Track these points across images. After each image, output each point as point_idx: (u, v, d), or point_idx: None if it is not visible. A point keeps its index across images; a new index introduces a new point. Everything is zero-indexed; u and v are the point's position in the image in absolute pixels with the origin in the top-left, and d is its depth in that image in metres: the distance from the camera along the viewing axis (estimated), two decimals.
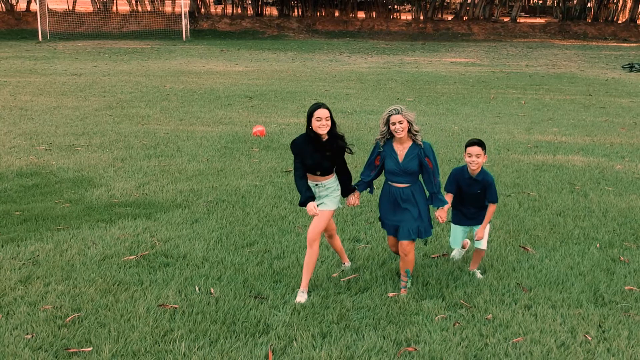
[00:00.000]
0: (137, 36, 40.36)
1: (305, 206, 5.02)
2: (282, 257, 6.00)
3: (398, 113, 4.98)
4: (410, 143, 5.10)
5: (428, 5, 50.74)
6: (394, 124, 5.00)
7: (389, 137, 5.14)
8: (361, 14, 51.94)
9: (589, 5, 51.38)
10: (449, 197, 5.42)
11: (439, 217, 5.15)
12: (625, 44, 40.33)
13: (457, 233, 5.67)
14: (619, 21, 49.98)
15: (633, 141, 11.45)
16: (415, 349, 4.42)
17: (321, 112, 4.99)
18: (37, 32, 36.94)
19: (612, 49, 36.12)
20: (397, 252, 5.37)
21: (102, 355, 4.31)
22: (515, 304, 5.10)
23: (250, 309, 4.95)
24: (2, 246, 6.18)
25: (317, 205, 5.12)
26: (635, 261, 5.97)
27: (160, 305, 5.00)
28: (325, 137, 5.06)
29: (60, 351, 4.36)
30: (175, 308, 4.96)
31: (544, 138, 11.61)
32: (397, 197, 5.16)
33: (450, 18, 52.09)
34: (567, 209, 7.49)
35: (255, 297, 5.16)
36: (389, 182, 5.21)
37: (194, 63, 25.50)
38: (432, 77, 21.45)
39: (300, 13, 51.30)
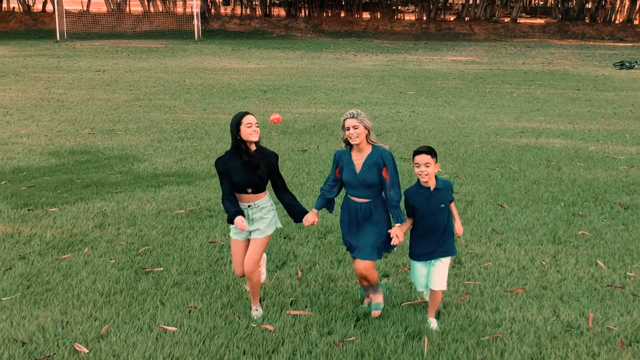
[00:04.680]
0: (151, 36, 41.84)
1: (233, 222, 4.63)
2: None
3: (353, 117, 4.52)
4: (369, 151, 4.62)
5: (431, 6, 52.15)
6: (348, 128, 4.54)
7: (348, 145, 4.69)
8: (366, 15, 53.41)
9: (587, 6, 52.68)
10: (409, 222, 4.70)
11: (395, 236, 4.51)
12: (621, 44, 41.57)
13: (417, 270, 4.78)
14: (617, 21, 51.27)
15: (610, 128, 12.79)
16: (409, 269, 5.79)
17: (250, 118, 4.68)
18: (55, 31, 38.40)
19: (608, 48, 37.39)
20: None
21: (171, 273, 5.69)
22: (490, 242, 6.47)
23: (282, 245, 6.33)
24: (74, 203, 7.59)
25: (251, 232, 4.79)
26: (591, 215, 7.34)
27: (211, 242, 6.39)
28: (253, 148, 4.75)
29: (139, 270, 5.76)
30: (222, 244, 6.35)
31: (530, 125, 12.97)
32: (355, 213, 4.68)
33: (452, 19, 53.49)
34: (541, 178, 8.85)
35: (285, 237, 6.55)
36: (349, 196, 4.74)
37: (208, 61, 26.91)
38: (433, 74, 22.81)
39: (307, 14, 52.76)
